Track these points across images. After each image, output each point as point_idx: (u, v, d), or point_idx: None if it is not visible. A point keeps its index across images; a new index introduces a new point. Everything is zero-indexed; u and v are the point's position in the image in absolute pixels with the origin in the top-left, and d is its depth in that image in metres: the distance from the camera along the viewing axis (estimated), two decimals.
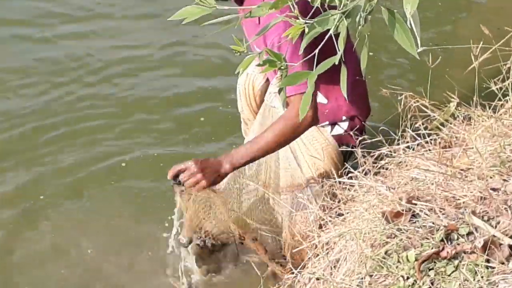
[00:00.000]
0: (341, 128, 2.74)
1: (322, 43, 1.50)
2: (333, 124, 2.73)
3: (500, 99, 2.61)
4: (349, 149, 2.67)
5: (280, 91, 1.76)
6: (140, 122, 3.85)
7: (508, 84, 2.61)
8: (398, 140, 2.54)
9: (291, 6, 1.49)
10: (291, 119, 2.46)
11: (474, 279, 1.88)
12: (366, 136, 2.65)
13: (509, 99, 2.61)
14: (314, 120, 2.54)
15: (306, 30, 1.48)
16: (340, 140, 2.74)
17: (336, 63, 1.47)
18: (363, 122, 2.80)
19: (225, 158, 2.57)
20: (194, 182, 2.56)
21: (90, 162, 3.65)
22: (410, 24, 1.38)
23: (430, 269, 1.96)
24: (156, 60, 4.29)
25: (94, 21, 4.78)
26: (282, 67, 1.60)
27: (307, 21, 1.47)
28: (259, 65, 1.64)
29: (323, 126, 2.71)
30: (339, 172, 2.60)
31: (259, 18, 2.47)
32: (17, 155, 3.80)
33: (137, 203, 3.37)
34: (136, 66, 4.26)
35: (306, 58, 1.71)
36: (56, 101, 4.04)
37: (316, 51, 1.55)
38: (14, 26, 4.80)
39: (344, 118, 2.75)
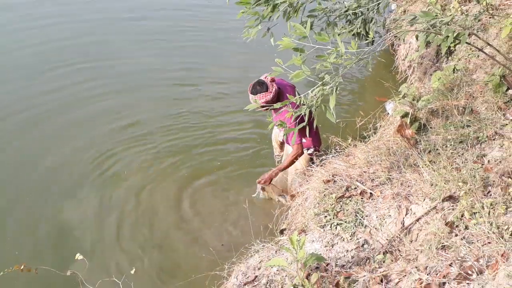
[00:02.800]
0: (311, 150, 3.44)
1: (299, 117, 2.30)
2: (308, 148, 3.45)
3: (367, 139, 3.35)
4: (312, 157, 3.39)
5: (283, 136, 2.65)
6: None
7: (371, 133, 3.34)
8: (329, 153, 3.23)
9: (288, 106, 2.25)
10: (295, 153, 3.26)
11: (356, 204, 2.55)
12: (317, 153, 3.41)
13: (370, 139, 3.31)
14: (302, 153, 3.31)
15: (293, 114, 2.26)
16: (310, 155, 3.45)
17: (305, 124, 2.26)
18: (317, 148, 3.51)
19: (273, 170, 3.39)
20: (264, 182, 3.38)
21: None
22: (332, 111, 2.14)
23: (340, 201, 2.66)
24: (243, 122, 4.85)
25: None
26: (285, 127, 2.40)
27: (294, 110, 2.27)
28: (277, 125, 2.42)
29: (305, 149, 3.41)
30: (308, 166, 3.30)
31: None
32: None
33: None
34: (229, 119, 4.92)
35: (295, 123, 2.46)
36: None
37: (297, 120, 2.36)
38: None
39: (311, 146, 3.46)
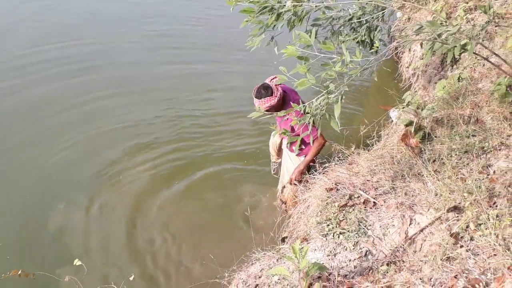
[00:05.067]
0: None
1: (304, 123, 2.24)
2: (306, 155, 3.31)
3: (371, 147, 3.39)
4: (310, 164, 3.32)
5: (287, 144, 2.63)
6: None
7: (374, 141, 3.38)
8: (332, 161, 3.19)
9: (293, 113, 2.31)
10: (320, 143, 3.14)
11: (359, 213, 2.58)
12: (319, 159, 3.37)
13: (374, 147, 3.34)
14: (325, 142, 3.18)
15: (299, 121, 2.19)
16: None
17: (309, 133, 2.27)
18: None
19: (298, 168, 3.24)
20: (296, 178, 3.24)
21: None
22: (336, 120, 2.07)
23: (343, 210, 2.65)
24: (250, 130, 4.77)
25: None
26: (288, 136, 2.45)
27: (299, 118, 2.23)
28: (280, 134, 2.48)
29: (303, 156, 3.34)
30: (308, 173, 3.29)
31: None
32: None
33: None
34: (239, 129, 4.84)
35: (302, 130, 2.56)
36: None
37: (302, 128, 2.44)
38: None
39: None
